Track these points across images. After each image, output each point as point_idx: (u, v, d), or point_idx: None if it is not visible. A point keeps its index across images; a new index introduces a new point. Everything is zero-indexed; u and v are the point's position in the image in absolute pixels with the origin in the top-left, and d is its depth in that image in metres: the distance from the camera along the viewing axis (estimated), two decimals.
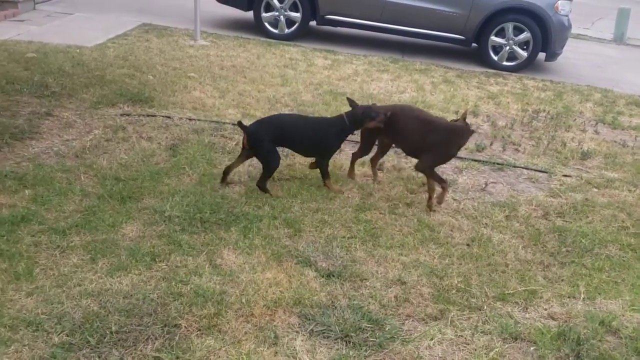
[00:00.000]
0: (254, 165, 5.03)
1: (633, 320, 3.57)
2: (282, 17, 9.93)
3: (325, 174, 4.79)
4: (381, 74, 8.55)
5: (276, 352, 3.01)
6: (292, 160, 5.26)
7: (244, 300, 3.34)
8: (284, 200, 4.52)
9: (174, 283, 3.43)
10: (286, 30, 9.99)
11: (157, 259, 3.64)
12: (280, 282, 3.55)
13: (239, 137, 5.59)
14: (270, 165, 4.62)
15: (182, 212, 4.15)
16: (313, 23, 10.21)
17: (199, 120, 5.92)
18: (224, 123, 5.91)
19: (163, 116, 5.92)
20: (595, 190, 5.41)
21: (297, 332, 3.18)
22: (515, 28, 9.55)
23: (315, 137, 4.71)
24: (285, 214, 4.32)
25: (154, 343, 2.99)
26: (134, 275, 3.48)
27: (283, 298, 3.41)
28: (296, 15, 9.93)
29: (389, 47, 10.29)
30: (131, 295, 3.30)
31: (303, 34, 10.08)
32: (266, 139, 4.55)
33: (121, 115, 5.87)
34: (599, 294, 3.83)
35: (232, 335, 3.09)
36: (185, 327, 3.11)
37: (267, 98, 6.85)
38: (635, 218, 4.90)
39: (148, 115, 5.91)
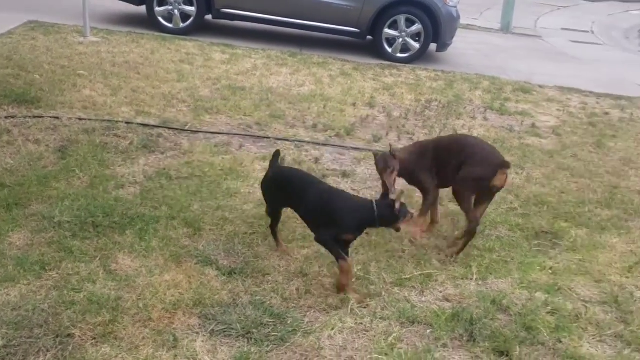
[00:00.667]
0: (149, 164, 4.90)
1: (522, 297, 3.77)
2: (176, 11, 9.70)
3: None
4: (280, 67, 8.55)
5: (176, 355, 2.95)
6: (190, 158, 5.17)
7: (141, 305, 3.25)
8: (182, 200, 4.43)
9: (65, 292, 3.29)
10: (181, 25, 9.77)
11: (47, 268, 3.47)
12: (179, 283, 3.49)
13: (133, 136, 5.44)
14: None
15: (72, 217, 3.97)
16: (209, 17, 10.06)
17: (89, 119, 5.68)
18: (117, 122, 5.71)
19: (51, 117, 5.64)
20: None
21: (197, 333, 3.14)
22: (407, 20, 9.81)
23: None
24: (184, 214, 4.24)
25: (46, 355, 2.85)
26: (23, 286, 3.31)
27: (182, 300, 3.35)
28: (191, 9, 9.73)
29: (287, 41, 10.30)
30: (20, 307, 3.14)
31: (199, 29, 9.90)
32: None
33: (6, 117, 5.53)
34: (490, 273, 4.02)
35: (129, 341, 3.00)
36: (79, 336, 2.99)
37: (163, 94, 6.68)
38: (523, 199, 5.18)
39: (35, 117, 5.61)
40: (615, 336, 3.49)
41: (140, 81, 7.03)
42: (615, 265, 4.26)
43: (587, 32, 16.39)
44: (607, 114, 8.24)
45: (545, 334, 3.40)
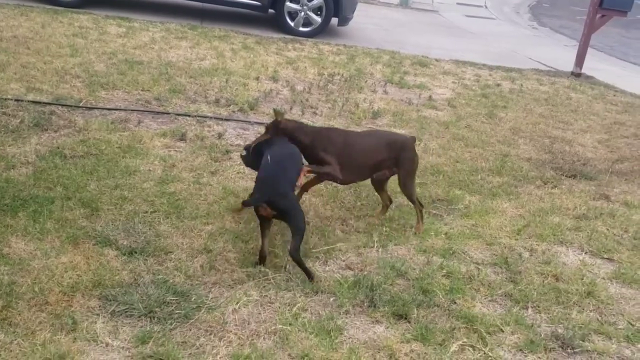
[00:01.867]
0: (42, 143, 4.69)
1: (419, 262, 3.94)
2: None
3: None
4: (180, 41, 8.35)
5: (75, 338, 2.88)
6: (85, 136, 4.98)
7: (37, 289, 3.13)
8: (77, 179, 4.27)
9: None
10: None
11: None
12: (77, 265, 3.38)
13: (24, 113, 5.17)
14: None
15: None
16: None
17: None
18: (6, 99, 5.40)
19: None
20: None
21: (97, 314, 3.06)
22: None
23: None
24: (80, 194, 4.10)
25: None
26: None
27: (81, 282, 3.26)
28: None
29: (187, 14, 10.06)
30: None
31: (93, 1, 9.47)
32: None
33: None
34: (390, 241, 4.16)
35: (25, 326, 2.89)
36: None
37: (55, 70, 6.37)
38: (420, 169, 5.33)
39: None
40: (505, 295, 3.72)
41: (31, 56, 6.66)
42: (505, 229, 4.52)
43: (481, 6, 17.05)
44: (498, 85, 8.65)
45: (441, 296, 3.57)
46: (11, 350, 2.75)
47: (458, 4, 16.64)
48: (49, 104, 5.49)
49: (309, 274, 3.58)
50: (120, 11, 9.42)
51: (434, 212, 4.66)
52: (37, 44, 7.11)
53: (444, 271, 3.85)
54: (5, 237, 3.53)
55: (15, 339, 2.81)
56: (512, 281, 3.88)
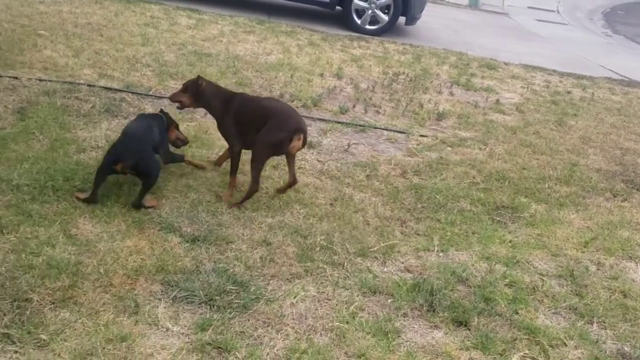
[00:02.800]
0: (111, 129, 4.80)
1: (481, 269, 3.84)
2: None
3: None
4: (247, 35, 8.43)
5: (137, 321, 2.93)
6: None
7: (101, 270, 3.21)
8: None
9: (24, 255, 3.22)
10: None
11: (4, 231, 3.39)
12: (141, 249, 3.45)
13: (95, 99, 5.31)
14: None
15: (31, 180, 3.88)
16: None
17: (50, 81, 5.52)
18: (79, 84, 5.57)
19: (9, 77, 5.46)
20: (449, 149, 5.73)
21: (159, 299, 3.12)
22: None
23: None
24: None
25: (2, 319, 2.79)
26: None
27: (145, 266, 3.32)
28: None
29: (255, 8, 10.15)
30: None
31: None
32: None
33: None
34: (452, 246, 4.08)
35: (89, 306, 2.96)
36: (37, 300, 2.93)
37: (127, 58, 6.53)
38: (485, 174, 5.25)
39: None
40: (570, 308, 3.60)
41: (104, 43, 6.85)
42: (572, 240, 4.37)
43: (552, 11, 16.59)
44: (569, 92, 8.38)
45: (503, 305, 3.48)
46: (75, 329, 2.82)
47: (529, 7, 16.24)
48: (120, 90, 5.63)
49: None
50: (190, 3, 9.58)
51: (498, 219, 4.54)
52: (110, 32, 7.31)
53: (507, 280, 3.74)
54: (74, 218, 3.63)
55: (80, 318, 2.88)
56: (577, 294, 3.75)
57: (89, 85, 5.57)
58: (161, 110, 4.45)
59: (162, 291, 3.18)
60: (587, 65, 10.63)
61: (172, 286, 3.21)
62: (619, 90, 9.08)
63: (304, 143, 4.14)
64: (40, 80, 5.50)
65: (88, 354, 2.69)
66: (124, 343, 2.78)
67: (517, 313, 3.45)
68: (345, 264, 3.68)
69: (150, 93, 5.76)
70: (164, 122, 4.30)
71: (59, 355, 2.67)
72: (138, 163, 3.83)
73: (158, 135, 4.13)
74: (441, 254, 3.97)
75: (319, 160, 5.04)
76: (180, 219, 3.81)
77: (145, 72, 6.28)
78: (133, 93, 5.66)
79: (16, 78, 5.45)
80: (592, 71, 10.11)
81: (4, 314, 2.83)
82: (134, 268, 3.28)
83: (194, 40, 7.67)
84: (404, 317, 3.30)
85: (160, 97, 5.69)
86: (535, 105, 7.53)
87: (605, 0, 19.89)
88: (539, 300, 3.62)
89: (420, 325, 3.26)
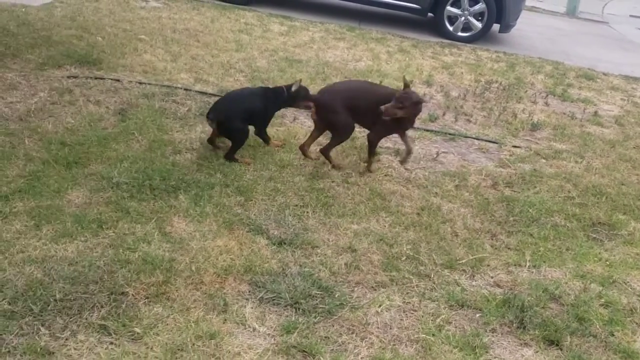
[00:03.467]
0: (206, 132, 4.95)
1: (575, 287, 3.68)
2: None
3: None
4: (337, 42, 8.48)
5: (225, 320, 3.00)
6: None
7: (193, 268, 3.31)
8: (236, 168, 4.47)
9: (121, 250, 3.37)
10: None
11: (104, 226, 3.57)
12: (231, 249, 3.53)
13: (191, 102, 5.50)
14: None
15: (130, 178, 4.06)
16: None
17: (149, 84, 5.77)
18: (176, 88, 5.78)
19: (112, 79, 5.75)
20: (544, 161, 5.53)
21: (247, 299, 3.18)
22: None
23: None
24: (237, 182, 4.28)
25: (100, 311, 2.94)
26: (80, 242, 3.41)
27: (234, 266, 3.39)
28: None
29: (346, 15, 10.21)
30: (76, 263, 3.23)
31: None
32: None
33: (68, 77, 5.68)
34: (544, 262, 3.93)
35: (181, 302, 3.06)
36: (132, 294, 3.06)
37: (221, 63, 6.72)
38: (581, 189, 5.03)
39: (96, 78, 5.73)
40: None
41: (200, 49, 7.08)
42: None
43: None
44: None
45: (598, 326, 3.31)
46: (167, 324, 2.92)
47: (631, 16, 15.45)
48: (215, 95, 5.79)
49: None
50: (283, 10, 9.76)
51: (594, 236, 4.34)
52: (206, 38, 7.55)
53: (603, 300, 3.56)
54: (168, 216, 3.76)
55: (172, 314, 2.98)
56: None
57: (186, 89, 5.77)
58: (298, 84, 4.75)
59: (249, 291, 3.24)
60: None
61: (260, 287, 3.26)
62: None
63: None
64: (140, 83, 5.76)
65: (179, 349, 2.78)
66: (212, 340, 2.85)
67: (613, 335, 3.28)
68: (432, 275, 3.62)
69: None
70: (281, 96, 4.72)
71: (151, 349, 2.77)
72: (221, 123, 4.47)
73: (259, 107, 4.64)
74: (533, 270, 3.83)
75: (406, 169, 4.98)
76: (268, 221, 3.87)
77: (239, 77, 6.44)
78: None
79: (118, 80, 5.73)
80: None
81: (102, 306, 2.96)
82: (223, 267, 3.37)
83: (286, 46, 7.80)
84: (493, 332, 3.20)
85: None
86: (636, 118, 7.14)
87: None
88: (637, 323, 3.42)
89: (509, 342, 3.16)
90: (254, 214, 3.93)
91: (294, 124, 5.46)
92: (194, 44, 7.24)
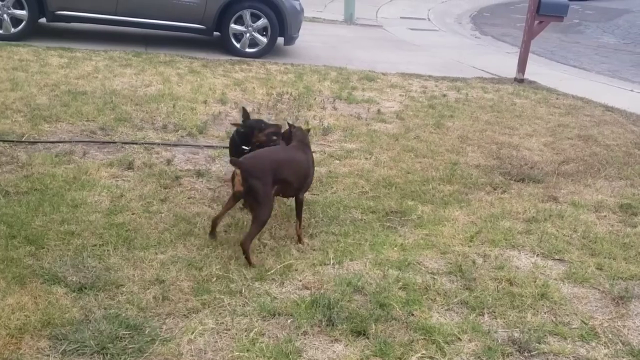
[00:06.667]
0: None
1: (375, 276, 3.94)
2: (5, 15, 9.09)
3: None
4: (124, 68, 8.25)
5: None
6: (29, 171, 4.85)
7: None
8: (22, 216, 4.15)
9: None
10: (12, 30, 9.17)
11: None
12: (24, 306, 3.27)
13: None
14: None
15: None
16: (44, 20, 9.50)
17: None
18: None
19: None
20: (337, 162, 5.85)
21: (47, 355, 2.96)
22: (252, 15, 9.85)
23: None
24: (25, 231, 3.98)
25: None
26: None
27: (29, 322, 3.14)
28: (22, 13, 9.17)
29: (131, 41, 9.95)
30: None
31: (33, 33, 9.31)
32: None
33: None
34: (346, 257, 4.15)
35: None
36: None
37: None
38: (373, 182, 5.40)
39: None
40: (461, 303, 3.75)
41: None
42: (458, 237, 4.57)
43: (424, 19, 17.37)
44: (444, 95, 8.80)
45: (398, 309, 3.57)
46: None
47: (402, 17, 16.91)
48: None
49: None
50: (61, 42, 9.27)
51: (388, 224, 4.68)
52: None
53: (400, 283, 3.86)
54: None
55: None
56: (467, 288, 3.91)
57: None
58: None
59: (50, 346, 3.03)
60: (460, 67, 11.20)
61: (61, 339, 3.06)
62: (491, 88, 9.63)
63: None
64: None
65: None
66: None
67: (412, 315, 3.56)
68: (243, 291, 3.66)
69: (24, 139, 5.50)
70: None
71: None
72: None
73: None
74: (337, 266, 4.03)
75: (209, 188, 5.00)
76: (64, 268, 3.64)
77: (17, 118, 6.00)
78: (4, 141, 5.38)
79: None
80: (465, 73, 10.67)
81: None
82: (17, 326, 3.11)
83: (67, 79, 7.41)
84: (305, 335, 3.32)
85: (34, 142, 5.45)
86: (414, 111, 7.84)
87: (472, 4, 21.07)
88: (431, 299, 3.75)
89: (320, 341, 3.29)
90: (48, 263, 3.68)
91: (84, 159, 5.21)
92: None
